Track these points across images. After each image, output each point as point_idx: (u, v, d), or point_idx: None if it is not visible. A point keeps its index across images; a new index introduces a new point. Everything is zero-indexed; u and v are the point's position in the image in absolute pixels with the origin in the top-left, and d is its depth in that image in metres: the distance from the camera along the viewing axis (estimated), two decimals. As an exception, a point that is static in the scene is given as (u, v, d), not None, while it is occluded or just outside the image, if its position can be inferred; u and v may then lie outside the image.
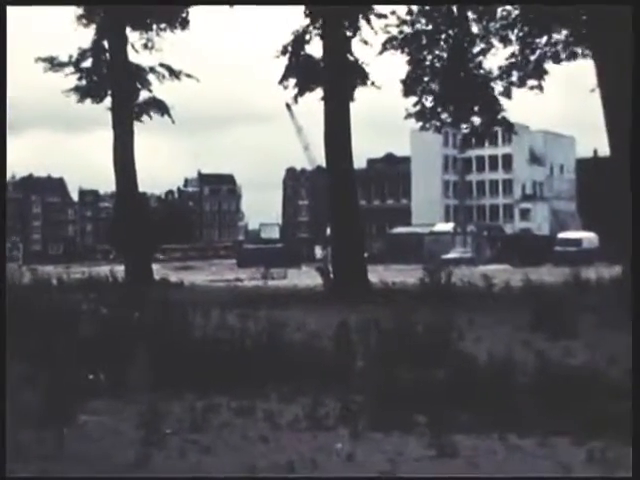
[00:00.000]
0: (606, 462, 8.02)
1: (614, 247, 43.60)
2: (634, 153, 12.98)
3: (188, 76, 43.12)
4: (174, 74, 42.54)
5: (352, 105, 34.79)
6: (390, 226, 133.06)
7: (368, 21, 33.69)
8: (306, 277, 44.02)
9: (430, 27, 31.77)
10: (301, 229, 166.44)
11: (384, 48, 31.90)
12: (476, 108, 32.91)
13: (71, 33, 53.04)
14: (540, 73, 31.06)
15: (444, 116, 33.29)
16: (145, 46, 41.45)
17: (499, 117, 33.02)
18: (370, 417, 9.82)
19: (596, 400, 9.68)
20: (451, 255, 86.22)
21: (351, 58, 34.60)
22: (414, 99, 32.42)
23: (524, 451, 8.61)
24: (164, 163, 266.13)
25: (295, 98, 35.92)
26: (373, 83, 35.11)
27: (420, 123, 33.41)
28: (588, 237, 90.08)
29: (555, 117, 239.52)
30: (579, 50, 29.70)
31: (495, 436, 8.99)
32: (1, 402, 9.50)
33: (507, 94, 31.80)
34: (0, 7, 20.05)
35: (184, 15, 40.15)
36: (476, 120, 33.58)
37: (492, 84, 31.98)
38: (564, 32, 29.76)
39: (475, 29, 31.54)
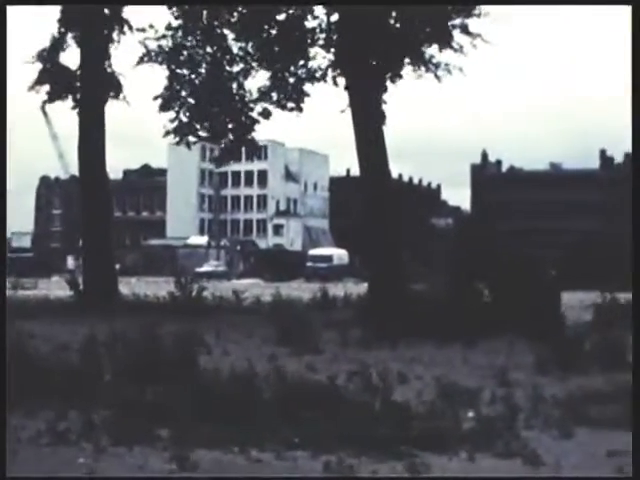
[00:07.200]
0: (342, 472, 8.35)
1: (362, 264, 45.04)
2: (634, 160, 12.17)
3: None
4: None
5: (109, 115, 34.49)
6: (145, 238, 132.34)
7: (124, 33, 33.61)
8: (57, 288, 43.22)
9: (189, 43, 31.80)
10: (54, 239, 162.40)
11: (141, 61, 31.71)
12: (231, 125, 33.06)
13: None
14: (299, 95, 31.59)
15: (201, 132, 33.23)
16: None
17: (248, 137, 33.22)
18: (113, 431, 9.83)
19: (334, 414, 10.05)
20: (204, 268, 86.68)
21: (108, 69, 34.29)
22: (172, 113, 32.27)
23: (264, 464, 8.82)
24: None
25: (43, 104, 35.23)
26: (125, 97, 34.79)
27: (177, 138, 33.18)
28: (339, 254, 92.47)
29: (312, 135, 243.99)
30: (334, 73, 30.31)
31: (236, 449, 9.18)
32: (1, 402, 9.39)
33: (266, 115, 32.18)
34: (0, 7, 18.94)
35: None
36: (230, 137, 33.61)
37: (252, 105, 32.22)
38: (321, 55, 30.39)
39: (235, 49, 31.75)
